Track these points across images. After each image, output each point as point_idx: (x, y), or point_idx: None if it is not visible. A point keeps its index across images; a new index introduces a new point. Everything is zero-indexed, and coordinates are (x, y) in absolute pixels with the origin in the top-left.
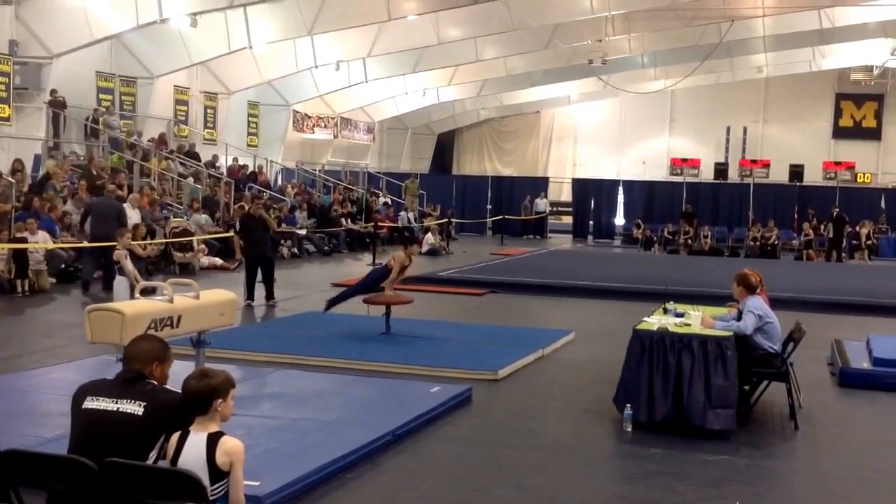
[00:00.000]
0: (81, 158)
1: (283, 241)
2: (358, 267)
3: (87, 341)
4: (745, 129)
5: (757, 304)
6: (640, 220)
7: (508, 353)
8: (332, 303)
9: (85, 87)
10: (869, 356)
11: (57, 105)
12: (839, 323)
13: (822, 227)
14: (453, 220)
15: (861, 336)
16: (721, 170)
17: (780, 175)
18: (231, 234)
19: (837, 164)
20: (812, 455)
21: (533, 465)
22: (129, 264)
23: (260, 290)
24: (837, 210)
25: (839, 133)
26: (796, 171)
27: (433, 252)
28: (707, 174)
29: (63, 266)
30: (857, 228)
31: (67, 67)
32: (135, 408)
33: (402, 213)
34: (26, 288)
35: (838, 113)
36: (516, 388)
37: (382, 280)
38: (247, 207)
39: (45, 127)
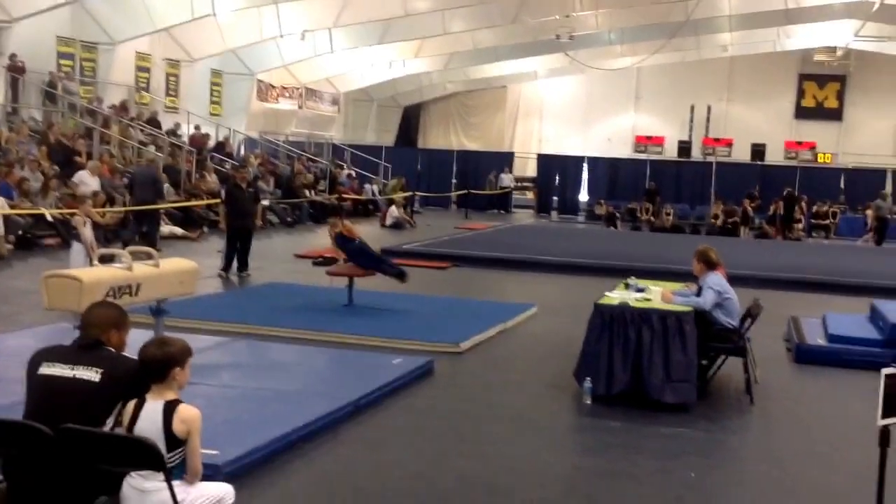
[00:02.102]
0: (40, 124)
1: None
2: (322, 238)
3: (45, 308)
4: (709, 108)
5: (716, 280)
6: (601, 200)
7: (471, 326)
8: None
9: (45, 52)
10: (825, 333)
11: (16, 69)
12: (797, 300)
13: (773, 206)
14: (416, 193)
15: (818, 313)
16: (684, 148)
17: (742, 154)
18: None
19: (799, 143)
20: (766, 429)
21: (493, 437)
22: (86, 231)
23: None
24: (789, 190)
25: (801, 113)
26: (758, 151)
27: (397, 225)
28: (671, 152)
29: (20, 232)
30: (815, 208)
31: (27, 31)
32: (91, 374)
33: (367, 186)
34: None
35: (801, 93)
36: (478, 361)
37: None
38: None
39: (3, 91)
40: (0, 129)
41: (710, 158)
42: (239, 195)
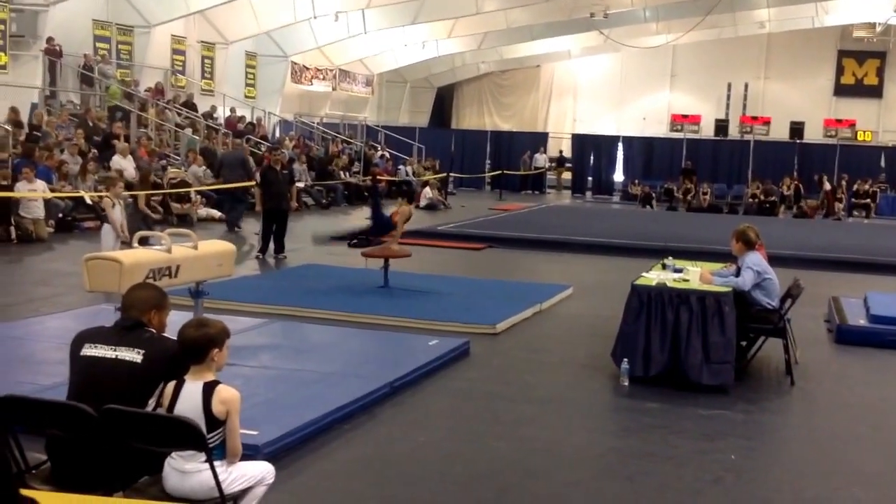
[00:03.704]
0: (78, 107)
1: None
2: (357, 220)
3: (86, 290)
4: (746, 86)
5: (755, 260)
6: (637, 180)
7: (506, 308)
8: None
9: (81, 36)
10: (866, 313)
11: (53, 53)
12: (837, 280)
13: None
14: (450, 175)
15: (859, 293)
16: (721, 126)
17: (780, 132)
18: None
19: (838, 121)
20: (807, 410)
21: (529, 418)
22: (115, 213)
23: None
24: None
25: (840, 90)
26: (797, 129)
27: (431, 206)
28: (707, 131)
29: (61, 215)
30: (856, 187)
31: (64, 15)
32: (133, 355)
33: (402, 167)
34: (13, 236)
35: (840, 70)
36: (514, 342)
37: (388, 228)
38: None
39: (41, 75)
40: (41, 113)
41: (748, 137)
42: (273, 177)
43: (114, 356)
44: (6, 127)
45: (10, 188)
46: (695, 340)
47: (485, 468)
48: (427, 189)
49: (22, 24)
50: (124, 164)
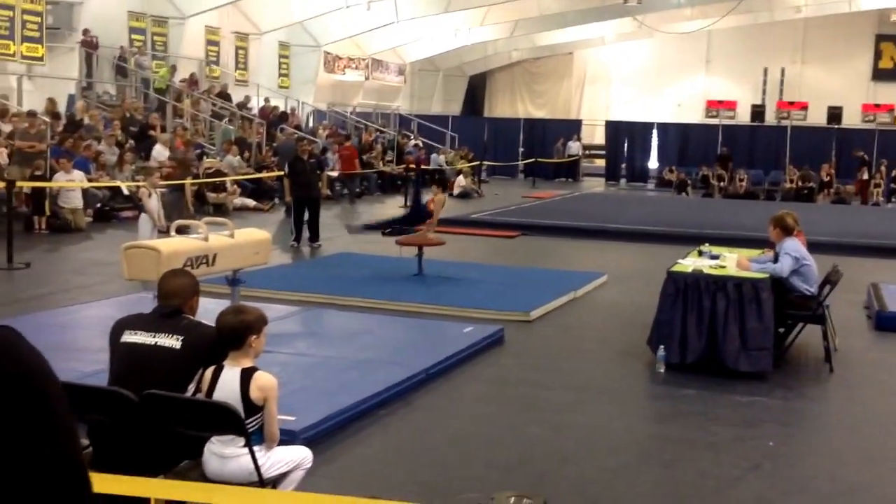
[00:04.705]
0: (114, 98)
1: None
2: (390, 209)
3: (124, 278)
4: (782, 71)
5: (794, 246)
6: (672, 166)
7: (541, 295)
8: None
9: (117, 27)
10: None
11: (89, 45)
12: (876, 267)
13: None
14: (483, 163)
15: None
16: (758, 112)
17: (818, 118)
18: (278, 174)
19: (877, 106)
20: (846, 398)
21: (565, 405)
22: (152, 202)
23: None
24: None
25: (878, 75)
26: (835, 114)
27: (465, 195)
28: (743, 116)
29: (99, 205)
30: (895, 173)
31: (99, 7)
32: (172, 342)
33: (434, 156)
34: (44, 226)
35: (878, 54)
36: (548, 330)
37: (425, 216)
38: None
39: (78, 67)
40: (83, 105)
41: (785, 122)
42: (300, 167)
43: (153, 342)
44: (45, 118)
45: (45, 178)
46: (732, 327)
47: (521, 454)
48: (460, 177)
49: (58, 17)
50: (164, 154)
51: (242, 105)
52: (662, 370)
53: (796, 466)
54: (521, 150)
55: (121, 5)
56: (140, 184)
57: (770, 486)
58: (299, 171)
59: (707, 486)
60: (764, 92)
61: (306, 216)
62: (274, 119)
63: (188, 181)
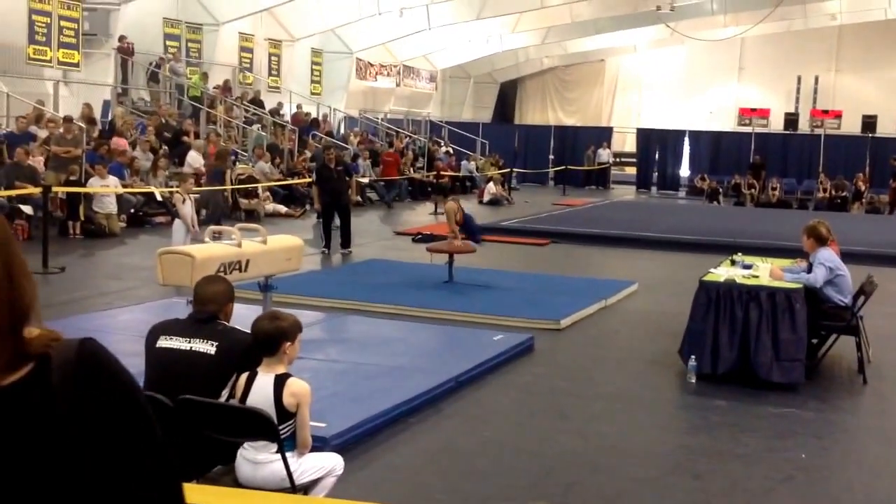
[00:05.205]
0: (148, 104)
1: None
2: (421, 216)
3: (159, 283)
4: (816, 79)
5: (827, 256)
6: (703, 174)
7: (571, 303)
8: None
9: (152, 34)
10: None
11: (125, 51)
12: None
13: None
14: (514, 170)
15: None
16: (791, 120)
17: (852, 126)
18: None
19: None
20: (879, 409)
21: (596, 414)
22: (185, 208)
23: (336, 239)
24: None
25: None
26: (869, 123)
27: (495, 202)
28: (776, 125)
29: (133, 210)
30: None
31: (135, 14)
32: (207, 347)
33: (465, 163)
34: (78, 231)
35: None
36: (579, 338)
37: (478, 231)
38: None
39: (113, 73)
40: (120, 112)
41: (818, 131)
42: (328, 175)
43: (188, 348)
44: (80, 124)
45: (80, 183)
46: (765, 338)
47: (552, 463)
48: (490, 184)
49: (94, 23)
50: (198, 160)
51: (275, 111)
52: (693, 380)
53: (829, 479)
54: (551, 157)
55: (156, 12)
56: (174, 190)
57: (802, 499)
58: (326, 178)
59: (738, 499)
60: (797, 100)
61: (337, 222)
62: (305, 125)
63: (225, 186)
